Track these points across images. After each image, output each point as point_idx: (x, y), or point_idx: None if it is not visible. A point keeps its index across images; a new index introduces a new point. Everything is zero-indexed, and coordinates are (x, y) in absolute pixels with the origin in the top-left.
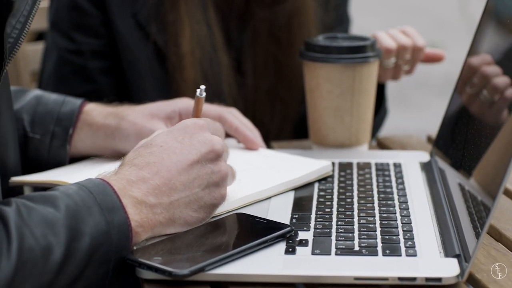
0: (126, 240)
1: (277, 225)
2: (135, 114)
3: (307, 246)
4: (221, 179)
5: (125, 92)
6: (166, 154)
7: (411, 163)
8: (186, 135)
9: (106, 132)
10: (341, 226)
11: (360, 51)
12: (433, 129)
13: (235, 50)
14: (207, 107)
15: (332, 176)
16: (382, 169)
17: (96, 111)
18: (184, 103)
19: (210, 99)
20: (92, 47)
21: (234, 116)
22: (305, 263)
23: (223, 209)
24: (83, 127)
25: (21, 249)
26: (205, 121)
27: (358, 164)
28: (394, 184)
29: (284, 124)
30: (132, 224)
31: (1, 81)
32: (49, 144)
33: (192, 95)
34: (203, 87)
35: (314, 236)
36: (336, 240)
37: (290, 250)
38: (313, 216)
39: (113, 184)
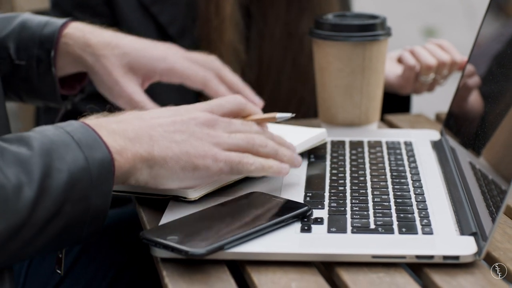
0: (107, 173)
1: (294, 204)
2: (112, 61)
3: (322, 224)
4: (208, 136)
5: None
6: (151, 112)
7: (422, 141)
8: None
9: (83, 65)
10: (356, 204)
11: (370, 29)
12: (440, 108)
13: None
14: (190, 73)
15: (343, 155)
16: (393, 147)
17: (74, 38)
18: (166, 65)
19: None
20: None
21: (220, 79)
22: (321, 241)
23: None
24: (62, 51)
25: None
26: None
27: (369, 142)
28: (406, 162)
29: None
30: (112, 153)
31: None
32: (36, 69)
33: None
34: (288, 115)
35: (329, 214)
36: (352, 218)
37: (306, 229)
38: (326, 194)
39: (90, 122)
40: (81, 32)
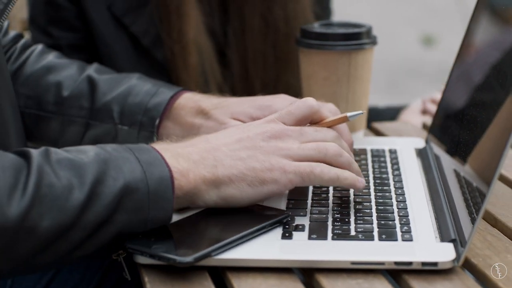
0: (166, 189)
1: (274, 211)
2: (219, 114)
3: (303, 231)
4: (276, 149)
5: None
6: (218, 133)
7: (407, 149)
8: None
9: (192, 130)
10: (338, 211)
11: (356, 38)
12: (426, 117)
13: (218, 39)
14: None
15: None
16: (378, 155)
17: (186, 109)
18: (271, 112)
19: (206, 86)
20: (69, 41)
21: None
22: (301, 247)
23: None
24: (170, 121)
25: (39, 184)
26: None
27: (354, 150)
28: (389, 170)
29: None
30: (173, 172)
31: None
32: (137, 135)
33: (193, 82)
34: (359, 112)
35: (310, 221)
36: (333, 225)
37: (287, 235)
38: (309, 201)
39: (156, 146)
40: (193, 102)
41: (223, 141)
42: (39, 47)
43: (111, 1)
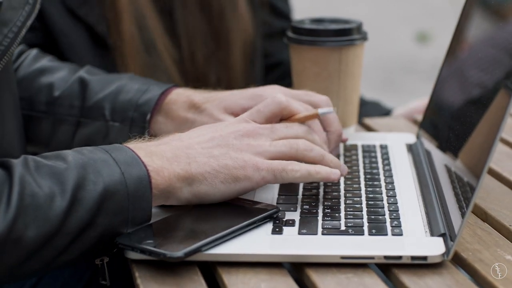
0: (145, 189)
1: (264, 206)
2: (212, 108)
3: (294, 226)
4: (249, 147)
5: None
6: (191, 132)
7: (397, 144)
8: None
9: (185, 124)
10: (328, 206)
11: (346, 33)
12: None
13: (165, 13)
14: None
15: None
16: (368, 150)
17: (177, 103)
18: (262, 100)
19: (148, 53)
20: (30, 41)
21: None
22: (292, 242)
23: None
24: (161, 116)
25: (22, 194)
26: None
27: (344, 145)
28: (380, 165)
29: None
30: (149, 171)
31: None
32: (129, 131)
33: (128, 50)
34: (330, 109)
35: (300, 216)
36: (323, 220)
37: (277, 230)
38: (299, 197)
39: (129, 145)
40: (185, 97)
41: (196, 139)
42: (34, 51)
43: None
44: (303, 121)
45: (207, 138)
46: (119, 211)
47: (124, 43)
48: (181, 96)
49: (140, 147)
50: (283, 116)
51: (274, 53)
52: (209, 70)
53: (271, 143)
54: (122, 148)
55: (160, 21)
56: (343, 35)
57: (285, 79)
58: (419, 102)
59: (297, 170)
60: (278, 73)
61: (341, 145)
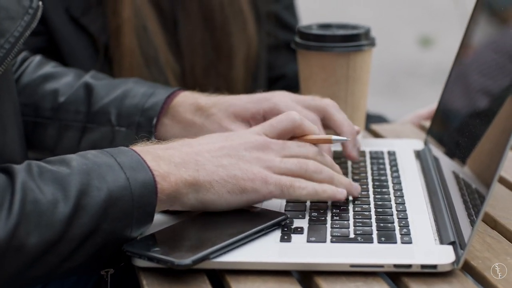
0: (150, 194)
1: (272, 213)
2: (220, 114)
3: (302, 233)
4: (258, 160)
5: None
6: (201, 139)
7: (405, 151)
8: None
9: (192, 129)
10: (336, 214)
11: (354, 39)
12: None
13: (168, 24)
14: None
15: None
16: (376, 157)
17: (184, 105)
18: (269, 104)
19: (147, 67)
20: (35, 45)
21: (326, 119)
22: (300, 250)
23: None
24: (168, 119)
25: (24, 201)
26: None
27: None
28: (388, 172)
29: None
30: (155, 176)
31: None
32: (135, 136)
33: (126, 64)
34: (344, 138)
35: (309, 223)
36: (331, 227)
37: (286, 238)
38: (308, 204)
39: (136, 148)
40: (191, 99)
41: (206, 147)
42: (37, 58)
43: (68, 3)
44: (315, 143)
45: (217, 147)
46: (123, 216)
47: (123, 57)
48: (187, 98)
49: (147, 151)
50: (295, 134)
51: (278, 66)
52: (208, 82)
53: (281, 159)
54: (128, 152)
55: (163, 33)
56: (351, 40)
57: None
58: (426, 109)
59: (304, 187)
60: (281, 86)
61: None
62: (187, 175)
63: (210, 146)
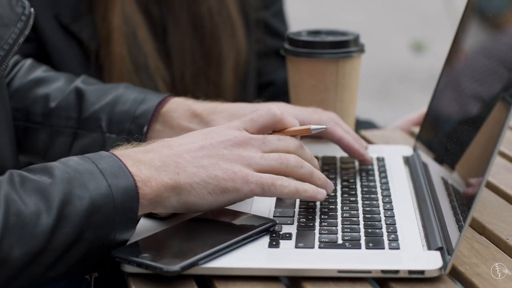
0: (132, 201)
1: (260, 219)
2: (218, 120)
3: (290, 239)
4: (239, 158)
5: None
6: (180, 139)
7: (394, 157)
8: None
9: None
10: (325, 220)
11: (343, 46)
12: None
13: (158, 32)
14: (304, 116)
15: None
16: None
17: (178, 111)
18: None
19: (137, 74)
20: (25, 52)
21: (337, 123)
22: (288, 256)
23: None
24: (160, 124)
25: (7, 213)
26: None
27: (341, 158)
28: (377, 178)
29: None
30: (136, 182)
31: None
32: (126, 142)
33: (116, 71)
34: (323, 127)
35: (297, 229)
36: (320, 233)
37: (274, 244)
38: (296, 210)
39: (117, 152)
40: (185, 106)
41: (186, 147)
42: (28, 61)
43: (58, 10)
44: (295, 134)
45: (197, 147)
46: (106, 223)
47: (113, 64)
48: (181, 105)
49: (128, 155)
50: (275, 129)
51: (267, 73)
52: (198, 89)
53: (262, 155)
54: (109, 157)
55: (152, 41)
56: (340, 47)
57: (276, 100)
58: (416, 114)
59: (286, 186)
60: (269, 93)
61: (338, 157)
62: (168, 178)
63: (190, 146)
